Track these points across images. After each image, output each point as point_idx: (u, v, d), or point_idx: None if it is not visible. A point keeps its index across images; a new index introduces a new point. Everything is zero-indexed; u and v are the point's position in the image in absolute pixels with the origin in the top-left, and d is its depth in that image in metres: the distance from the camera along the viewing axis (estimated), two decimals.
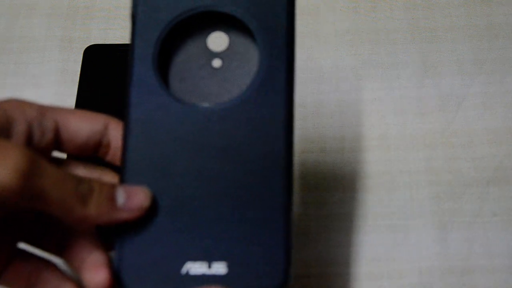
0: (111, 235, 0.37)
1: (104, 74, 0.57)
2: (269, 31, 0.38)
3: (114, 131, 0.39)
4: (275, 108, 0.37)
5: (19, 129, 0.36)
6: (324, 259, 0.50)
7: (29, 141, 0.37)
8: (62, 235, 0.38)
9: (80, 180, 0.34)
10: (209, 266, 0.36)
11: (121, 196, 0.36)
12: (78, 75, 0.57)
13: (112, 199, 0.35)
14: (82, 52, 0.58)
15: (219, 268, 0.36)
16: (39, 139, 0.37)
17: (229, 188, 0.37)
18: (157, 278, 0.36)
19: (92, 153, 0.39)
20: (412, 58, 0.58)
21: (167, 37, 0.39)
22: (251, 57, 0.39)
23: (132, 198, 0.36)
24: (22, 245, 0.38)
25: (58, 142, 0.38)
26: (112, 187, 0.36)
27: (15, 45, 0.60)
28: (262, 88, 0.38)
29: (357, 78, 0.57)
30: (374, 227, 0.51)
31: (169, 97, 0.38)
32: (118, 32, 0.60)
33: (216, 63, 0.39)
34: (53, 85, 0.57)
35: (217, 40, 0.40)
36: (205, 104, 0.38)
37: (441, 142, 0.54)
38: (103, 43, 0.59)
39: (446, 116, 0.55)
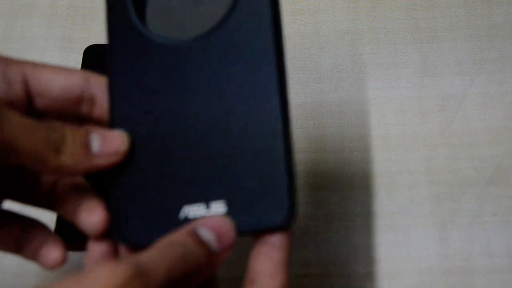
0: (103, 186, 0.35)
1: (104, 74, 0.57)
2: None
3: (98, 84, 0.37)
4: (259, 29, 0.35)
5: None
6: (324, 259, 0.50)
7: None
8: (50, 188, 0.37)
9: (51, 127, 0.33)
10: (207, 207, 0.34)
11: (96, 141, 0.34)
12: None
13: (86, 145, 0.34)
14: (82, 52, 0.58)
15: (218, 207, 0.34)
16: (5, 91, 0.35)
17: (221, 123, 0.34)
18: (155, 226, 0.34)
19: (72, 109, 0.37)
20: (412, 58, 0.58)
21: None
22: None
23: (108, 143, 0.34)
24: (8, 205, 0.38)
25: (29, 96, 0.36)
26: (86, 133, 0.34)
27: (15, 45, 0.60)
28: (241, 11, 0.35)
29: (357, 78, 0.57)
30: (374, 227, 0.51)
31: (149, 33, 0.36)
32: None
33: None
34: None
35: None
36: (184, 37, 0.36)
37: (441, 142, 0.54)
38: (103, 43, 0.59)
39: (446, 116, 0.55)
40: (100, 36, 0.60)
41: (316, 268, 0.50)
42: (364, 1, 0.61)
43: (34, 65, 0.37)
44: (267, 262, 0.33)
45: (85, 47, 0.58)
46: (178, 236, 0.32)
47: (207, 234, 0.32)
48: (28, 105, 0.36)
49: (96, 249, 0.35)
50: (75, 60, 0.58)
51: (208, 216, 0.33)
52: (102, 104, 0.37)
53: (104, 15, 0.37)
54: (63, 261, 0.37)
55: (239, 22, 0.35)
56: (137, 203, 0.35)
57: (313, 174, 0.53)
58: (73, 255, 0.41)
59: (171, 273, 0.30)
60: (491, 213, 0.51)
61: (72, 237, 0.40)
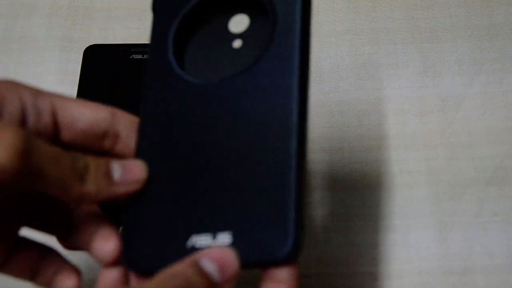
0: (118, 214, 0.36)
1: (104, 74, 0.57)
2: (286, 13, 0.37)
3: (123, 121, 0.38)
4: (285, 74, 0.36)
5: (12, 110, 0.35)
6: (324, 259, 0.50)
7: (22, 123, 0.36)
8: (67, 216, 0.37)
9: (75, 156, 0.34)
10: (214, 237, 0.34)
11: (116, 170, 0.35)
12: (78, 75, 0.57)
13: (108, 174, 0.35)
14: (82, 52, 0.58)
15: (224, 238, 0.34)
16: (34, 122, 0.36)
17: (236, 157, 0.35)
18: (163, 254, 0.35)
19: (96, 143, 0.38)
20: (412, 58, 0.58)
21: (187, 17, 0.39)
22: (270, 37, 0.38)
23: (128, 172, 0.36)
24: (25, 232, 0.38)
25: (57, 127, 0.37)
26: (107, 162, 0.35)
27: (15, 45, 0.60)
28: (271, 58, 0.36)
29: (357, 78, 0.57)
30: (374, 227, 0.51)
31: (180, 74, 0.38)
32: (118, 32, 0.60)
33: (237, 43, 0.39)
34: (53, 85, 0.57)
35: (238, 23, 0.39)
36: (214, 78, 0.37)
37: (441, 142, 0.54)
38: (103, 43, 0.59)
39: (446, 116, 0.55)
40: (100, 36, 0.60)
41: (316, 268, 0.50)
42: (364, 1, 0.61)
43: (63, 98, 0.37)
44: None
45: (85, 47, 0.58)
46: (180, 267, 0.32)
47: (209, 266, 0.33)
48: (55, 136, 0.37)
49: (108, 276, 0.36)
50: (75, 60, 0.58)
51: (212, 247, 0.34)
52: (125, 140, 0.38)
53: (148, 51, 0.39)
54: None
55: (267, 67, 0.36)
56: (147, 231, 0.36)
57: (313, 174, 0.53)
58: (74, 255, 0.41)
59: None
60: (491, 213, 0.51)
61: None
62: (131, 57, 0.57)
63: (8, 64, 0.59)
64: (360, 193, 0.52)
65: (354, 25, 0.60)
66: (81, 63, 0.57)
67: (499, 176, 0.53)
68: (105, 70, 0.57)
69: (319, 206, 0.52)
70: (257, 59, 0.37)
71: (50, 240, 0.39)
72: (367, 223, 0.51)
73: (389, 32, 0.59)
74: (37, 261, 0.37)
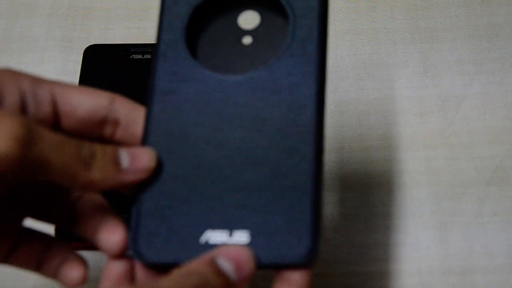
0: (125, 203, 0.36)
1: (104, 74, 0.57)
2: (305, 11, 0.37)
3: (123, 107, 0.37)
4: (304, 75, 0.36)
5: (11, 99, 0.35)
6: (324, 259, 0.50)
7: (22, 112, 0.35)
8: (71, 206, 0.37)
9: (81, 144, 0.33)
10: (231, 235, 0.33)
11: (125, 158, 0.34)
12: (78, 75, 0.57)
13: (116, 161, 0.34)
14: (82, 52, 0.58)
15: (241, 236, 0.33)
16: (34, 110, 0.35)
17: (255, 156, 0.35)
18: (175, 247, 0.34)
19: (96, 130, 0.38)
20: (412, 58, 0.58)
21: (198, 12, 0.38)
22: (282, 35, 0.38)
23: (137, 159, 0.35)
24: (29, 223, 0.38)
25: (57, 116, 0.37)
26: (115, 149, 0.34)
27: (15, 45, 0.60)
28: (291, 57, 0.36)
29: (357, 78, 0.57)
30: (374, 227, 0.51)
31: (196, 66, 0.37)
32: (118, 32, 0.60)
33: (247, 40, 0.38)
34: None
35: (248, 19, 0.39)
36: (230, 73, 0.37)
37: (441, 142, 0.54)
38: (103, 43, 0.59)
39: (446, 116, 0.55)
40: (100, 36, 0.60)
41: (316, 268, 0.49)
42: (364, 1, 0.61)
43: (63, 85, 0.37)
44: None
45: (85, 47, 0.58)
46: (197, 265, 0.32)
47: (226, 265, 0.32)
48: (55, 125, 0.37)
49: (113, 268, 0.35)
50: (75, 60, 0.58)
51: (229, 245, 0.33)
52: (125, 127, 0.37)
53: (155, 34, 0.39)
54: (84, 280, 0.37)
55: (287, 65, 0.36)
56: (158, 222, 0.35)
57: None
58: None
59: None
60: (491, 213, 0.51)
61: (71, 236, 0.40)
62: (131, 57, 0.57)
63: (8, 64, 0.59)
64: (360, 193, 0.52)
65: (354, 25, 0.60)
66: (81, 63, 0.57)
67: (499, 176, 0.53)
68: (105, 70, 0.57)
69: None
70: (275, 57, 0.37)
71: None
72: (367, 223, 0.51)
73: (389, 32, 0.59)
74: (42, 252, 0.37)
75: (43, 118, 0.36)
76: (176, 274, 0.31)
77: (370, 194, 0.52)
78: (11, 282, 0.50)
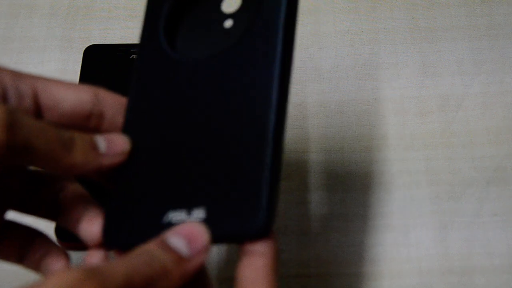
0: (105, 195, 0.37)
1: (104, 74, 0.57)
2: None
3: (107, 100, 0.38)
4: (267, 53, 0.35)
5: None
6: (324, 259, 0.50)
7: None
8: (54, 198, 0.38)
9: (60, 129, 0.34)
10: (189, 213, 0.34)
11: (101, 142, 0.36)
12: (78, 75, 0.57)
13: (94, 145, 0.35)
14: (82, 52, 0.58)
15: (199, 213, 0.34)
16: (15, 104, 0.36)
17: (215, 135, 0.35)
18: (141, 230, 0.35)
19: (82, 124, 0.38)
20: (412, 58, 0.58)
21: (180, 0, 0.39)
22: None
23: (112, 144, 0.36)
24: (11, 216, 0.38)
25: (39, 109, 0.37)
26: (92, 135, 0.36)
27: (15, 45, 0.60)
28: (255, 37, 0.36)
29: (357, 78, 0.57)
30: (374, 227, 0.51)
31: (167, 51, 0.38)
32: (118, 32, 0.60)
33: (228, 23, 0.39)
34: None
35: (232, 2, 0.39)
36: (200, 56, 0.37)
37: (441, 142, 0.54)
38: (103, 43, 0.59)
39: (446, 116, 0.55)
40: (100, 36, 0.60)
41: (316, 268, 0.50)
42: (364, 1, 0.61)
43: (45, 80, 0.37)
44: (251, 270, 0.33)
45: (85, 47, 0.58)
46: (147, 246, 0.33)
47: (176, 241, 0.33)
48: (37, 118, 0.37)
49: (93, 257, 0.36)
50: (75, 60, 0.58)
51: (183, 223, 0.34)
52: (110, 120, 0.38)
53: (140, 32, 0.40)
54: None
55: (250, 45, 0.36)
56: (126, 208, 0.36)
57: (313, 174, 0.53)
58: (74, 255, 0.41)
59: (130, 277, 0.31)
60: (491, 213, 0.51)
61: (71, 237, 0.40)
62: (131, 57, 0.57)
63: (8, 64, 0.58)
64: (360, 193, 0.52)
65: (354, 25, 0.60)
66: (81, 63, 0.57)
67: (499, 176, 0.53)
68: (105, 70, 0.57)
69: (319, 206, 0.52)
70: (241, 38, 0.37)
71: (37, 224, 0.38)
72: (367, 223, 0.51)
73: (389, 32, 0.59)
74: (24, 244, 0.37)
75: (25, 111, 0.36)
76: (126, 255, 0.32)
77: (370, 194, 0.52)
78: (11, 280, 0.50)
